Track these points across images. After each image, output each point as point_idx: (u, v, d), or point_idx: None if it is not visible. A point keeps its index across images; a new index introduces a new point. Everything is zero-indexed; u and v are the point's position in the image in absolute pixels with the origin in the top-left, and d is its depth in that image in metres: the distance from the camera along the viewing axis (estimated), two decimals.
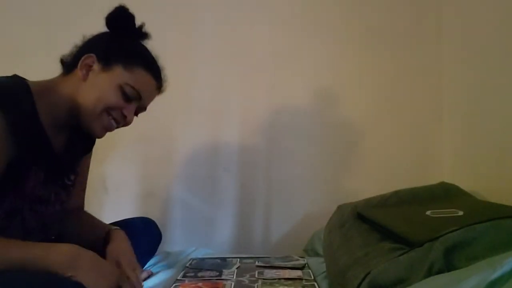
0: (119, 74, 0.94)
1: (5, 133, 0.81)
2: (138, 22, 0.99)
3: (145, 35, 1.01)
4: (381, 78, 1.75)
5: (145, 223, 1.29)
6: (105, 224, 1.12)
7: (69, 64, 0.96)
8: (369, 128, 1.76)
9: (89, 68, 0.94)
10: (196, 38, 1.74)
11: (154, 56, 1.02)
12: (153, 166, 1.77)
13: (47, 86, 0.93)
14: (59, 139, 0.98)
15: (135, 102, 0.97)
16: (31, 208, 0.91)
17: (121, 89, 0.94)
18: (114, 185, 1.75)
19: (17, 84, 0.88)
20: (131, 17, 0.98)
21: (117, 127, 0.99)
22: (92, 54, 0.93)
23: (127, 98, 0.95)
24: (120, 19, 0.97)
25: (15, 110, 0.83)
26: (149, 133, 1.70)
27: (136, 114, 1.01)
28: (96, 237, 1.03)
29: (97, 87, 0.93)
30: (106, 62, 0.94)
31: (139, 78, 0.96)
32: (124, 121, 0.98)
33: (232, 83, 1.76)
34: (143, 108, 1.02)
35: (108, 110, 0.94)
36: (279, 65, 1.75)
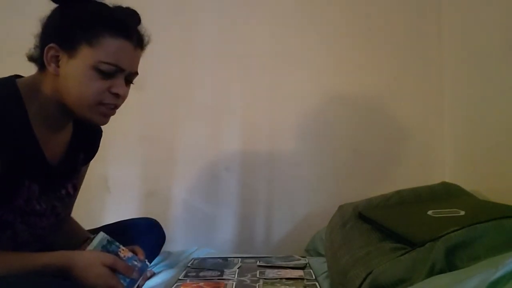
0: (87, 55, 0.81)
1: None
2: None
3: None
4: (382, 78, 1.75)
5: (149, 224, 1.29)
6: (84, 231, 1.11)
7: (38, 60, 0.86)
8: (371, 127, 1.76)
9: (56, 60, 0.83)
10: (197, 38, 1.74)
11: (114, 9, 0.86)
12: (155, 166, 1.77)
13: (34, 86, 0.86)
14: (57, 144, 0.92)
15: (118, 75, 0.85)
16: (23, 221, 0.86)
17: (96, 69, 0.82)
18: (116, 185, 1.75)
19: (6, 88, 0.81)
20: None
21: (116, 107, 0.89)
22: (52, 44, 0.82)
23: (107, 76, 0.83)
24: None
25: (4, 119, 0.77)
26: (150, 133, 1.70)
27: (130, 82, 0.90)
28: (74, 244, 0.99)
29: (72, 78, 0.82)
30: (69, 46, 0.82)
31: (109, 48, 0.82)
32: (118, 99, 0.87)
33: (233, 83, 1.76)
34: (134, 74, 0.90)
35: (99, 102, 0.85)
36: (280, 65, 1.75)
